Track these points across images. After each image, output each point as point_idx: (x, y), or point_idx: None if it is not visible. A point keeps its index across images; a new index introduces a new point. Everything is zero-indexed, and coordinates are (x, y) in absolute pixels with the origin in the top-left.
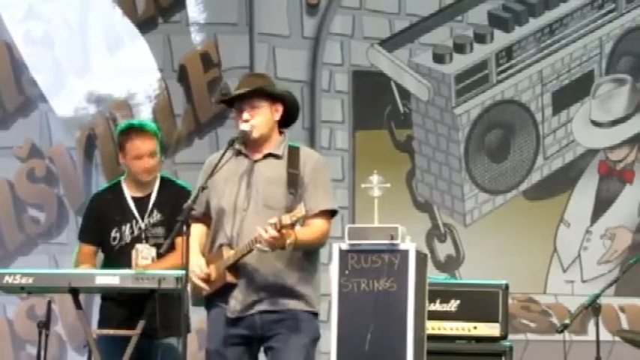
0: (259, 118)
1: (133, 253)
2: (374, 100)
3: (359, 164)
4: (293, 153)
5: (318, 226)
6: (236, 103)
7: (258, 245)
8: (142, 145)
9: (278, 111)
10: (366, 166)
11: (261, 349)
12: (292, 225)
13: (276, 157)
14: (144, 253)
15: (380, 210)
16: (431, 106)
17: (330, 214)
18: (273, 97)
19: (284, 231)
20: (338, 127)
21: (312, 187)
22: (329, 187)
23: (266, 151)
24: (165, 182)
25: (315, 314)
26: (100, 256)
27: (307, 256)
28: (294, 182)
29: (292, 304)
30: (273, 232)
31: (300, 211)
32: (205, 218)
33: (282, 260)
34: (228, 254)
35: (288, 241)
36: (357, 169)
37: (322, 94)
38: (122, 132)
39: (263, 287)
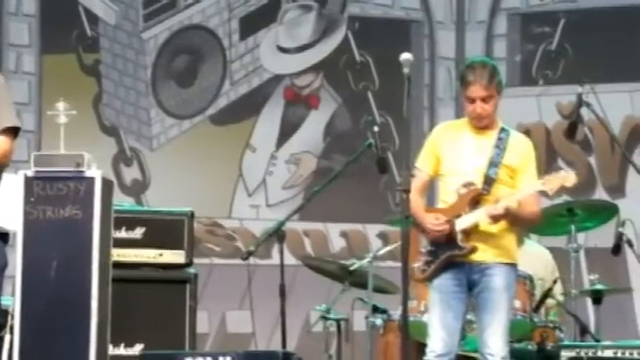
0: None
1: None
2: (61, 24)
3: (46, 88)
4: None
5: None
6: None
7: None
8: None
9: None
10: (53, 91)
11: None
12: None
13: None
14: None
15: (66, 136)
16: (119, 30)
17: (14, 131)
18: None
19: None
20: (25, 51)
21: None
22: (11, 104)
23: None
24: None
25: (3, 237)
26: None
27: None
28: None
29: None
30: None
31: None
32: None
33: None
34: None
35: None
36: (44, 94)
37: (9, 17)
38: None
39: None
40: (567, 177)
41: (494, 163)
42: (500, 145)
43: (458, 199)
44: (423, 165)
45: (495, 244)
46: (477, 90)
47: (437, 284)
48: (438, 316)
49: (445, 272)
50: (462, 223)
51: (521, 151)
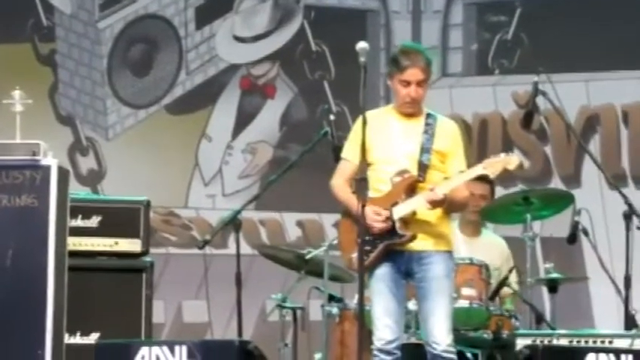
0: None
1: None
2: (17, 13)
3: (1, 78)
4: None
5: None
6: None
7: None
8: None
9: None
10: (8, 80)
11: None
12: None
13: None
14: None
15: (22, 125)
16: (74, 20)
17: None
18: None
19: None
20: None
21: None
22: None
23: None
24: None
25: None
26: None
27: None
28: None
29: None
30: None
31: None
32: None
33: None
34: None
35: None
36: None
37: None
38: None
39: None
40: (509, 160)
41: (425, 150)
42: (429, 131)
43: (393, 187)
44: (351, 155)
45: (434, 233)
46: (415, 73)
47: (378, 273)
48: (382, 305)
49: (384, 261)
50: (400, 211)
51: (450, 135)
